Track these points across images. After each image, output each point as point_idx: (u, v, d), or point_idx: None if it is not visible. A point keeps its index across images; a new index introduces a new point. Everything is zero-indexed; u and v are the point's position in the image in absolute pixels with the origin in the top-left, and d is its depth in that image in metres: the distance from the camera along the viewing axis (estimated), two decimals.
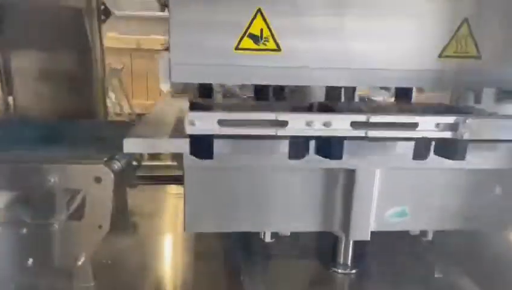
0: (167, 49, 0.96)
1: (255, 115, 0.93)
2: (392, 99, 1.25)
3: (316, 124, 0.92)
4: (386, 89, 1.33)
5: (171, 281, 1.24)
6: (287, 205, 1.07)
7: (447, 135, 0.95)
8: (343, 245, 1.18)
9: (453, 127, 0.94)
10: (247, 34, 0.94)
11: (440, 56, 0.99)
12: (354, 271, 1.19)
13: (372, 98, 1.39)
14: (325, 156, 0.97)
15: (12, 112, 1.67)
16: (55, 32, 1.62)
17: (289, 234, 1.11)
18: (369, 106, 1.19)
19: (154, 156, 1.95)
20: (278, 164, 0.98)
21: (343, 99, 1.18)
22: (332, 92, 1.15)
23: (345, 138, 0.95)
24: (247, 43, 0.94)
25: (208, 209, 1.05)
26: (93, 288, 1.10)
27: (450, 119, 0.94)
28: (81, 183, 1.04)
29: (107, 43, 1.89)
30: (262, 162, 0.99)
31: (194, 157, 0.94)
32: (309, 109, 1.09)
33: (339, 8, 0.95)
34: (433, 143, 0.99)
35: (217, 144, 0.94)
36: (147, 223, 1.53)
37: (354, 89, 1.22)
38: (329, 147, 0.96)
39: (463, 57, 1.00)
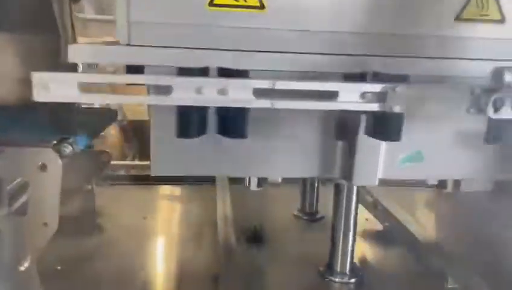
0: None
1: (125, 78, 0.77)
2: None
3: (206, 92, 0.74)
4: None
5: None
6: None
7: (374, 107, 0.78)
8: (340, 251, 1.08)
9: (380, 98, 0.77)
10: None
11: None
12: (352, 280, 1.10)
13: None
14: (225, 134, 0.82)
15: None
16: (22, 14, 1.47)
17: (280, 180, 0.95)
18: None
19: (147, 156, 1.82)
20: None
21: None
22: None
23: (243, 110, 0.79)
24: None
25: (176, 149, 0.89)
26: None
27: (376, 87, 0.77)
28: (23, 170, 0.86)
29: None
30: None
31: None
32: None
33: None
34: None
35: None
36: (115, 225, 1.37)
37: None
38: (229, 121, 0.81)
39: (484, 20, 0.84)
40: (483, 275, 1.06)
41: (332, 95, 0.77)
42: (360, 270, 1.14)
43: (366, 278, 1.12)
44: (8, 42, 1.48)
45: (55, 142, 0.88)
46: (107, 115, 1.33)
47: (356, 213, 1.07)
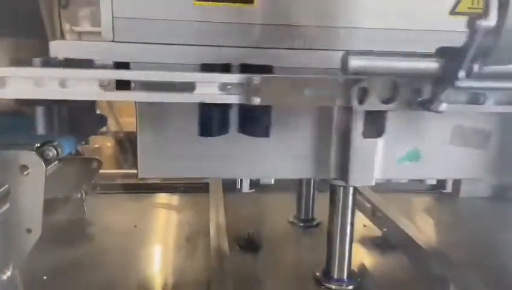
0: None
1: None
2: None
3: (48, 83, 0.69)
4: None
5: None
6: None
7: (233, 99, 0.72)
8: (336, 256, 1.05)
9: (240, 89, 0.71)
10: None
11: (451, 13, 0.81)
12: (350, 287, 1.06)
13: None
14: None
15: None
16: (12, 19, 1.45)
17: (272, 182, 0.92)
18: None
19: None
20: None
21: None
22: None
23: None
24: None
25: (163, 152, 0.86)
26: None
27: (234, 78, 0.71)
28: (5, 174, 0.82)
29: None
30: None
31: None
32: None
33: None
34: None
35: None
36: (107, 235, 1.32)
37: None
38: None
39: None
40: (484, 279, 1.03)
41: (189, 87, 0.71)
42: (358, 276, 1.10)
43: (364, 284, 1.08)
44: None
45: (38, 145, 0.85)
46: (97, 118, 1.29)
47: (353, 217, 1.04)
